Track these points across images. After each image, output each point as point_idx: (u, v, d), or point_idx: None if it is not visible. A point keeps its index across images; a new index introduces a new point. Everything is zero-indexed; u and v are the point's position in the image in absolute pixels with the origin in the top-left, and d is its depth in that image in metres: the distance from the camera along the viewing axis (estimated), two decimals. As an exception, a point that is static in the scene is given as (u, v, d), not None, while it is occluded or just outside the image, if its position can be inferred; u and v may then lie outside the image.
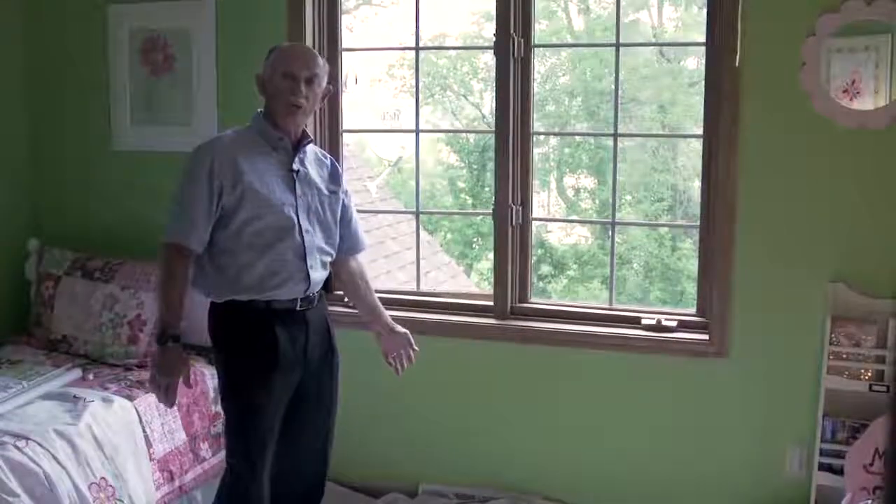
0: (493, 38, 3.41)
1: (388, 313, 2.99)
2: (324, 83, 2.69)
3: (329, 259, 2.75)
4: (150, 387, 2.63)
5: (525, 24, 3.37)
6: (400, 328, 2.93)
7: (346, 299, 3.38)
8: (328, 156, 2.85)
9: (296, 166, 2.65)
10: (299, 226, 2.61)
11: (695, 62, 9.64)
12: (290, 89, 2.60)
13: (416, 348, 2.93)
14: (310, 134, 2.75)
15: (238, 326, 2.62)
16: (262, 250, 2.57)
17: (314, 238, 2.66)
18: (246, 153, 2.59)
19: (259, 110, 2.70)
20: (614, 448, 3.38)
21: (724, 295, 3.16)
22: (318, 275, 2.68)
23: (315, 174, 2.72)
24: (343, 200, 2.81)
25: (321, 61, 2.70)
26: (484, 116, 10.45)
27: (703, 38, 3.23)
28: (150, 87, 3.78)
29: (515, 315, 3.47)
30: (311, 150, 2.74)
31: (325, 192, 2.73)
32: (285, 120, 2.63)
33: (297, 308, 2.64)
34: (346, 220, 2.83)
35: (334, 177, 2.79)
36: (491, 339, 3.46)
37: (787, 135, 3.05)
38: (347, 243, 2.85)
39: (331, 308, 3.59)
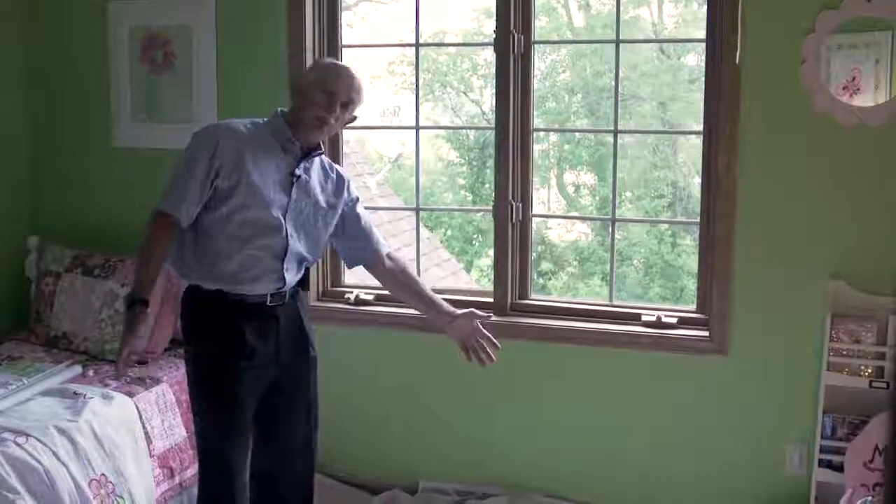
0: (493, 35, 3.41)
1: (443, 300, 2.81)
2: (355, 112, 2.69)
3: (308, 264, 2.74)
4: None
5: (525, 20, 3.37)
6: (459, 311, 2.76)
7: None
8: (336, 168, 2.80)
9: (298, 172, 2.63)
10: (285, 228, 2.59)
11: (695, 59, 9.61)
12: (325, 105, 2.58)
13: (484, 330, 2.70)
14: (322, 147, 2.73)
15: (205, 316, 2.61)
16: (242, 242, 2.55)
17: (297, 244, 2.63)
18: (253, 146, 2.58)
19: (280, 109, 2.67)
20: (614, 445, 3.38)
21: (724, 292, 3.16)
22: (292, 276, 2.67)
23: (316, 185, 2.69)
24: (356, 210, 2.80)
25: (362, 90, 2.68)
26: (484, 113, 10.43)
27: (703, 35, 3.23)
28: (150, 85, 3.78)
29: (515, 312, 3.48)
30: (318, 161, 2.72)
31: (323, 204, 2.70)
32: (307, 132, 2.61)
33: (267, 303, 2.63)
34: (359, 228, 2.81)
35: (338, 190, 2.75)
36: (491, 336, 3.45)
37: (788, 132, 3.05)
38: (367, 252, 2.83)
39: (328, 306, 3.62)
